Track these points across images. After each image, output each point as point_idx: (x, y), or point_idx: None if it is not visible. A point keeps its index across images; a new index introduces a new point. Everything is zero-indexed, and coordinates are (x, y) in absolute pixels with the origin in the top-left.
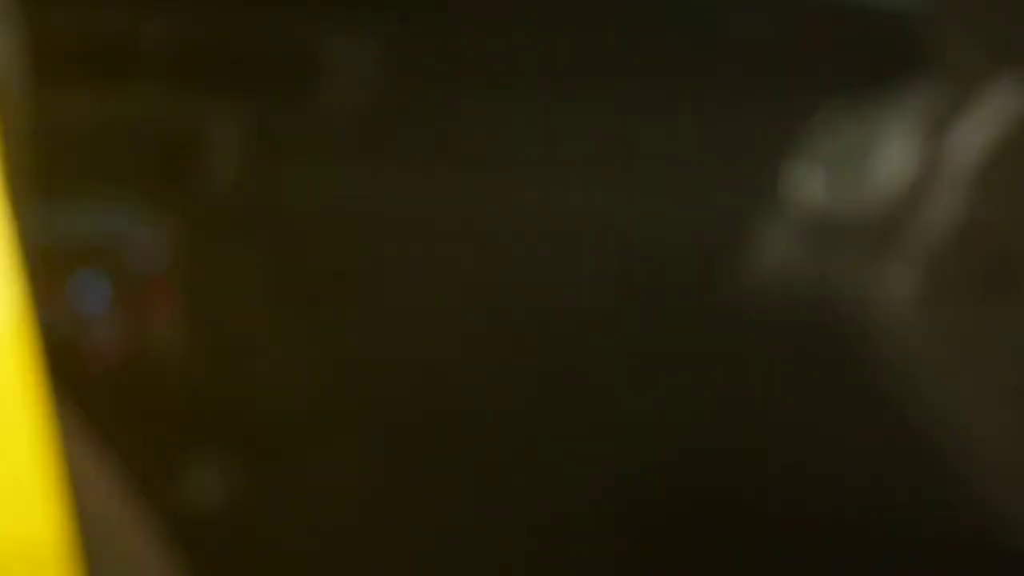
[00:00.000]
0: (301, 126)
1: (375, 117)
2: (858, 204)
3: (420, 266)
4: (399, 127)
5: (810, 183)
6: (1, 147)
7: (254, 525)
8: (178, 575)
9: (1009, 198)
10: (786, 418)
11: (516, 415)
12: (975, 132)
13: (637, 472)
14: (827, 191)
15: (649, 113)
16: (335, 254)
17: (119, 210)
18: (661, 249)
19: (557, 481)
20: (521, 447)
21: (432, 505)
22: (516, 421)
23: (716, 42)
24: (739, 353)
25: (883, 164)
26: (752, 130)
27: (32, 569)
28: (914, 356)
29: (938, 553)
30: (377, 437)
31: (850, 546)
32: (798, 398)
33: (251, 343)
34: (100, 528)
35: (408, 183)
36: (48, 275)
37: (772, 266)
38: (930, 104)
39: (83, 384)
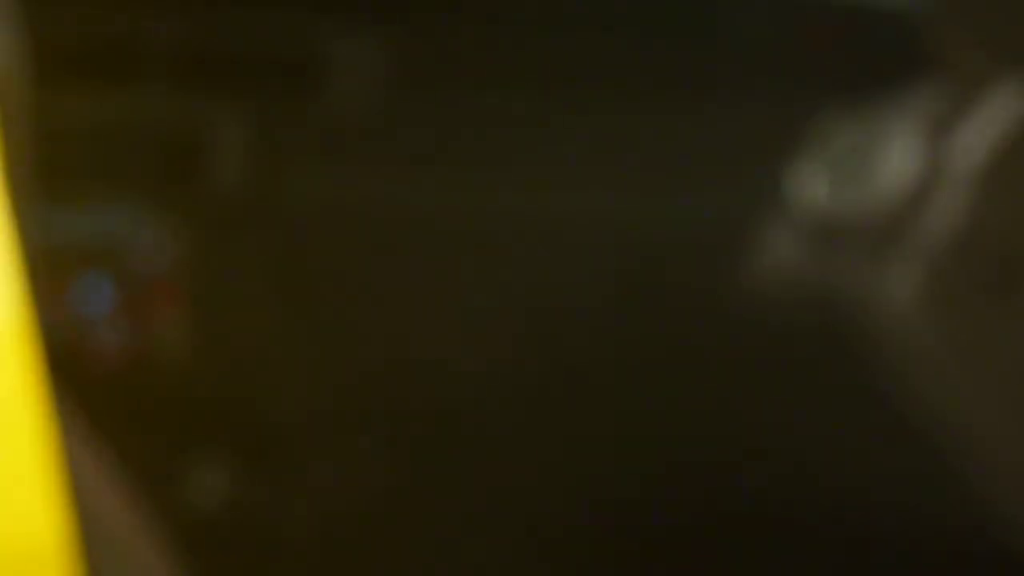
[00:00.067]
0: (304, 127)
1: (378, 118)
2: (860, 205)
3: (423, 267)
4: (402, 128)
5: (812, 184)
6: (4, 149)
7: (256, 526)
8: None
9: (1011, 199)
10: (786, 418)
11: (518, 415)
12: (977, 133)
13: (638, 473)
14: (829, 192)
15: (651, 114)
16: (338, 255)
17: (123, 212)
18: (663, 250)
19: (558, 481)
20: (522, 447)
21: (436, 506)
22: (517, 420)
23: (718, 43)
24: (741, 354)
25: (885, 166)
26: (754, 131)
27: (34, 570)
28: (916, 357)
29: (938, 553)
30: (379, 438)
31: (850, 546)
32: (800, 399)
33: (254, 344)
34: (102, 529)
35: (410, 184)
36: (52, 277)
37: (775, 267)
38: (932, 106)
39: (87, 385)
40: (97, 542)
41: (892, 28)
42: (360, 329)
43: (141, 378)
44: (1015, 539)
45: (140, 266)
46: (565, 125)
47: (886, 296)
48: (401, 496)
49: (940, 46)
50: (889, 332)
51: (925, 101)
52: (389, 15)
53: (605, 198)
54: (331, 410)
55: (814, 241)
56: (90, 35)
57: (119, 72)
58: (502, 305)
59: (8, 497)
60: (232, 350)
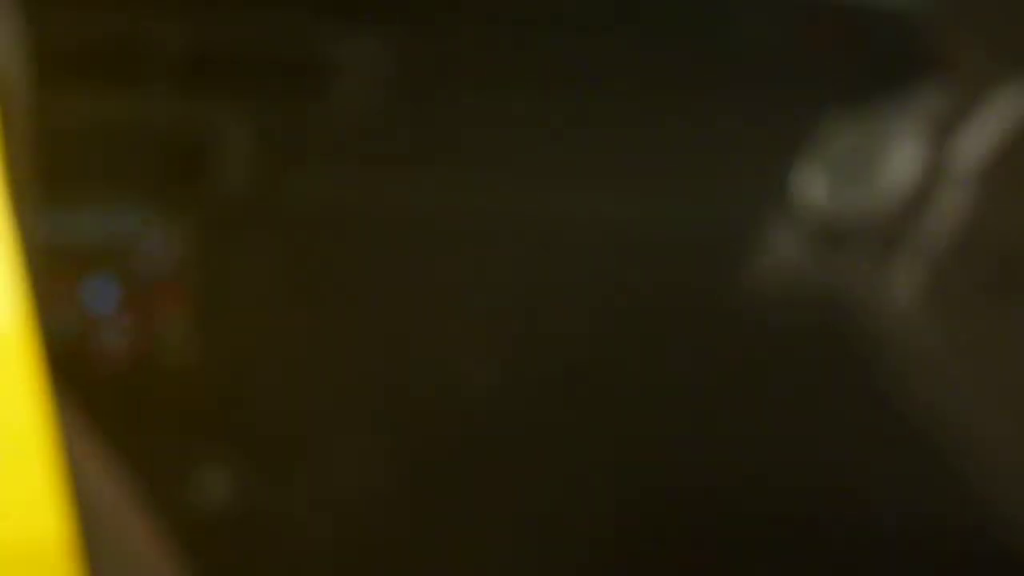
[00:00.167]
0: (306, 128)
1: (380, 118)
2: (861, 206)
3: (425, 267)
4: (404, 128)
5: (813, 185)
6: (9, 150)
7: (261, 527)
8: None
9: (1011, 199)
10: (786, 418)
11: (518, 414)
12: (979, 134)
13: (637, 472)
14: (830, 193)
15: (652, 115)
16: (341, 255)
17: (126, 213)
18: (665, 252)
19: (558, 480)
20: (523, 447)
21: (438, 506)
22: (518, 420)
23: (719, 44)
24: (742, 354)
25: (886, 166)
26: (754, 132)
27: (36, 571)
28: (917, 357)
29: (938, 553)
30: (382, 438)
31: (850, 546)
32: (800, 398)
33: (258, 344)
34: (104, 530)
35: (412, 184)
36: (57, 278)
37: (775, 267)
38: (932, 106)
39: (90, 386)
40: (100, 543)
41: (892, 28)
42: (363, 329)
43: (145, 378)
44: (1015, 539)
45: (144, 267)
46: (566, 125)
47: (887, 296)
48: (404, 496)
49: (941, 46)
50: (890, 332)
51: (926, 101)
52: (391, 16)
53: (606, 199)
54: (334, 410)
55: (815, 241)
56: (93, 36)
57: (122, 73)
58: (504, 305)
59: (10, 498)
60: (236, 350)
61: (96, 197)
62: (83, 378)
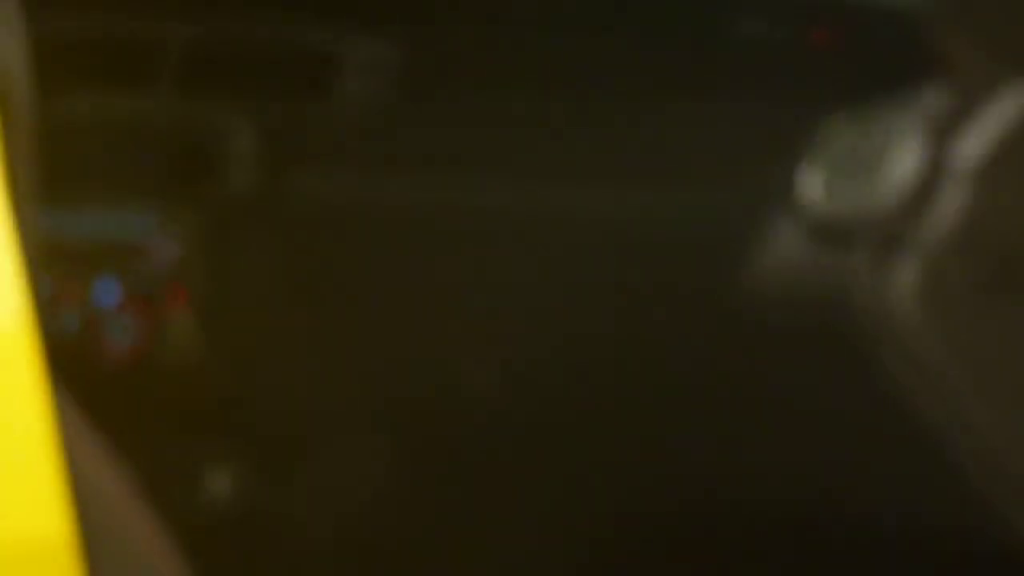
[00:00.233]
0: (310, 129)
1: (383, 119)
2: (860, 206)
3: (428, 267)
4: (406, 129)
5: (812, 185)
6: (10, 150)
7: (263, 526)
8: None
9: (1013, 200)
10: (786, 417)
11: (520, 414)
12: (979, 134)
13: (636, 471)
14: (829, 193)
15: (652, 114)
16: (347, 257)
17: (129, 213)
18: (665, 252)
19: (558, 480)
20: (524, 447)
21: (441, 505)
22: (519, 420)
23: (719, 43)
24: (742, 353)
25: (885, 166)
26: (754, 132)
27: (37, 570)
28: (916, 357)
29: (938, 553)
30: (386, 438)
31: (850, 546)
32: (800, 398)
33: (261, 345)
34: (106, 529)
35: (415, 185)
36: (59, 278)
37: (775, 267)
38: (932, 106)
39: (93, 386)
40: (101, 542)
41: (893, 28)
42: (366, 329)
43: (147, 378)
44: (1015, 539)
45: (146, 267)
46: (566, 125)
47: (887, 296)
48: (405, 496)
49: (941, 46)
50: (890, 332)
51: (926, 101)
52: (393, 16)
53: (606, 198)
54: (337, 410)
55: (815, 241)
56: (95, 36)
57: (124, 73)
58: (504, 305)
59: (11, 497)
60: (238, 350)
61: (98, 197)
62: (84, 378)
